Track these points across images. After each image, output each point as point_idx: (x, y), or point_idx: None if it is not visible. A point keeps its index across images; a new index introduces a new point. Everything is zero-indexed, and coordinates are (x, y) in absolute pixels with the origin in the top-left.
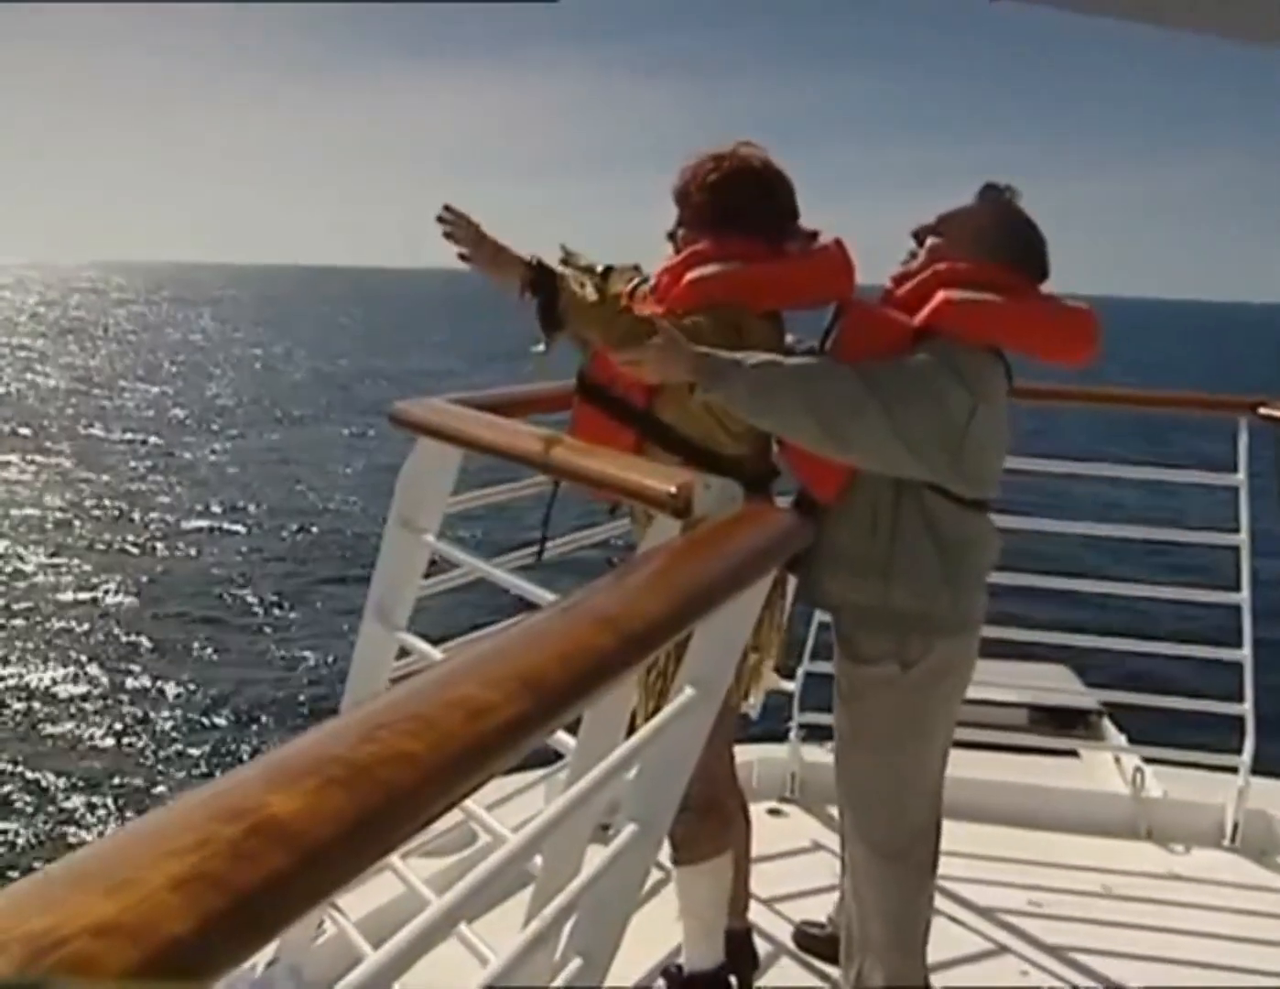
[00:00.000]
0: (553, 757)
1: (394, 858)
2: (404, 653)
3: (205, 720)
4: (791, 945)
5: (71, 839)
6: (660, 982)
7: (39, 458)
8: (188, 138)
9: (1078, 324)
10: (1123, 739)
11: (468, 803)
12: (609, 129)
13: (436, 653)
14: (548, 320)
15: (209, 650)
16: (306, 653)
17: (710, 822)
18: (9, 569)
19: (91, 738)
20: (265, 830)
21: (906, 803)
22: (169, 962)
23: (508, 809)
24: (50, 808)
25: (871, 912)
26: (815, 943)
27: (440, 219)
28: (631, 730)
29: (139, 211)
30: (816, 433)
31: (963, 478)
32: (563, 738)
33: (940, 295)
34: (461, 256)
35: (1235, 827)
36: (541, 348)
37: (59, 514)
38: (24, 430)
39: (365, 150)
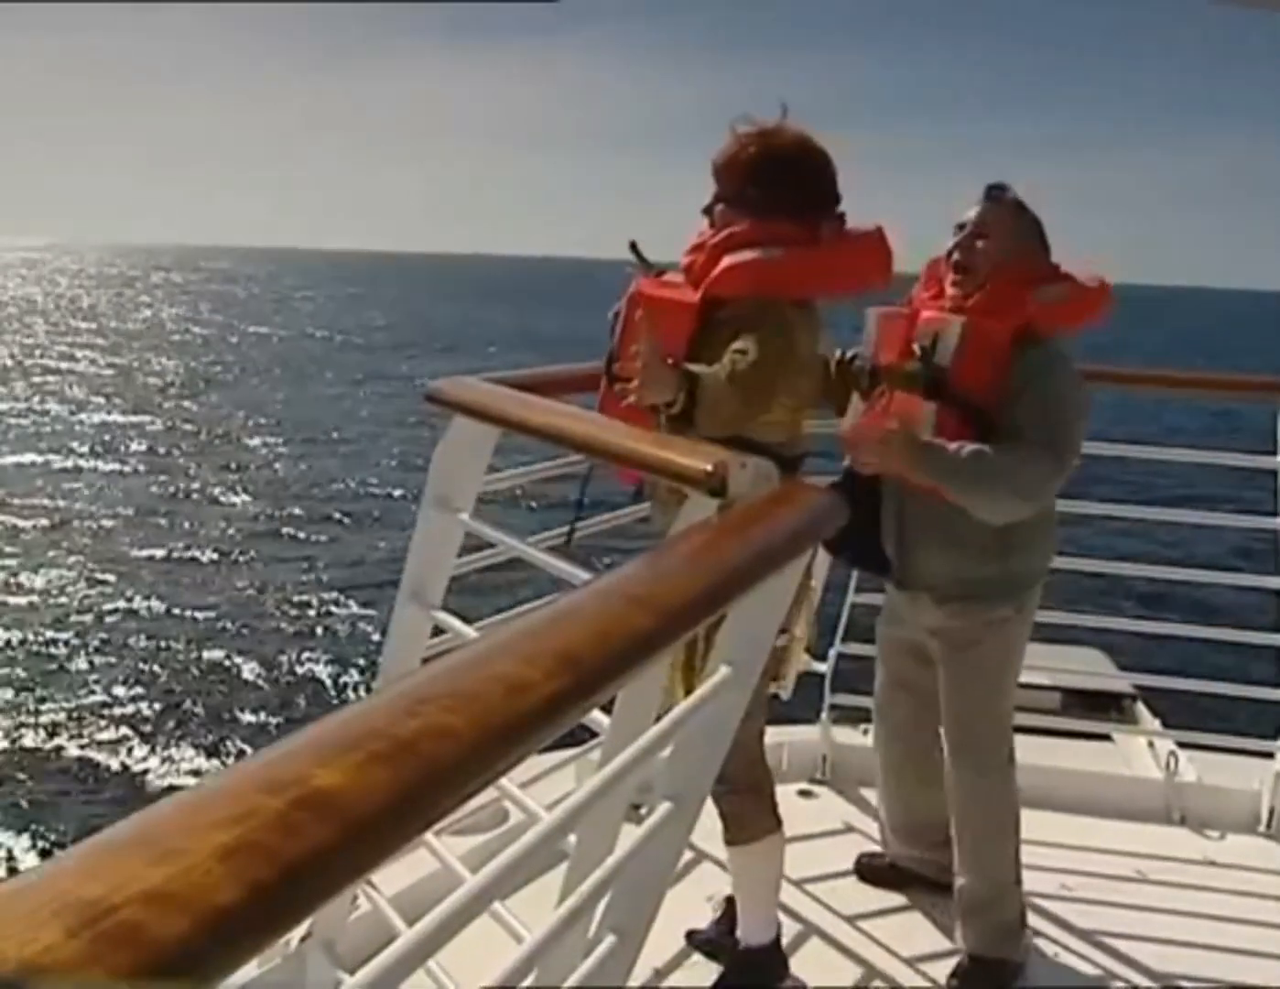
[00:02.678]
0: (582, 736)
1: (429, 835)
2: (438, 631)
3: (242, 694)
4: (824, 927)
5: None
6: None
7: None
8: (198, 127)
9: (1104, 294)
10: (1156, 723)
11: (502, 781)
12: (622, 112)
13: (471, 631)
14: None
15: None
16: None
17: (757, 800)
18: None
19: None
20: (310, 803)
21: (1007, 722)
22: (217, 931)
23: (540, 788)
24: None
25: (981, 841)
26: (878, 874)
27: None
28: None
29: (148, 197)
30: (1020, 511)
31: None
32: (595, 717)
33: (1032, 303)
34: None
35: (1270, 813)
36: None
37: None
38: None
39: (390, 134)
